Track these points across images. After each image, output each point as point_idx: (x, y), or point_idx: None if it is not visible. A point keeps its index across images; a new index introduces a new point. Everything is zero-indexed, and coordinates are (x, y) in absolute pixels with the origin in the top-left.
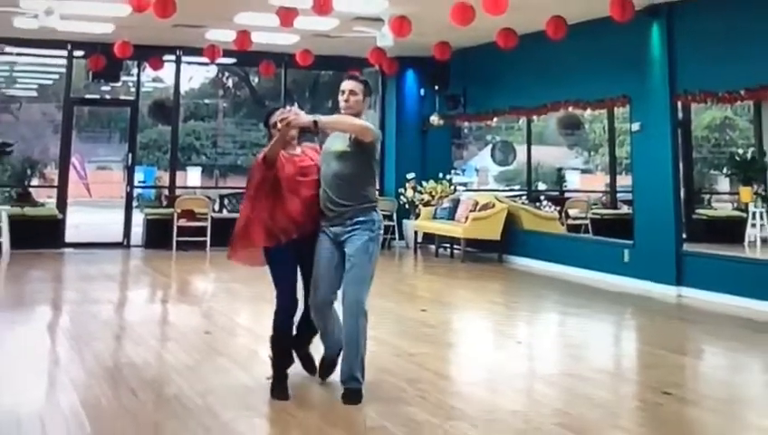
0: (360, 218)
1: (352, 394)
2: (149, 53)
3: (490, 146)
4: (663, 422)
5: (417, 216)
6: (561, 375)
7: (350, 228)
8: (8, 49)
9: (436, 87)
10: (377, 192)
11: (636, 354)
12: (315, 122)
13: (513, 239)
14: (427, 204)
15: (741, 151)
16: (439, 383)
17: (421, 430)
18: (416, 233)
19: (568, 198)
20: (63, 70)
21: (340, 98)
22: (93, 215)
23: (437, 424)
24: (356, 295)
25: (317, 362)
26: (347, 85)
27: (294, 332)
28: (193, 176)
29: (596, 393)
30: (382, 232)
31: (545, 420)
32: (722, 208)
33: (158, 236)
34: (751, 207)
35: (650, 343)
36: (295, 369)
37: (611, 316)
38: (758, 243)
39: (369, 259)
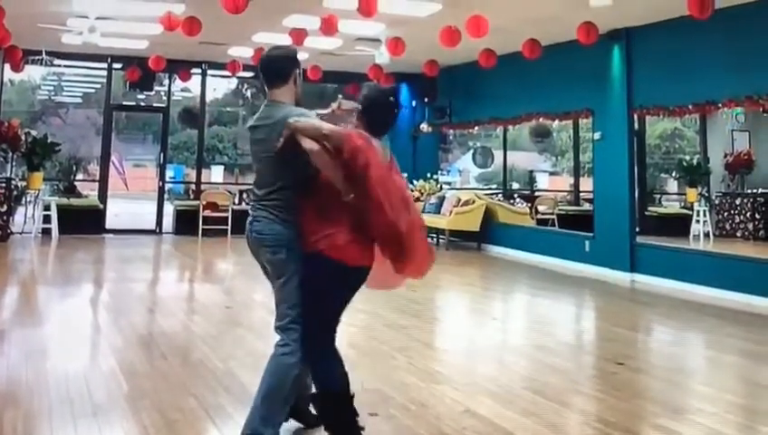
0: None
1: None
2: (179, 67)
3: (472, 151)
4: (617, 388)
5: None
6: (529, 347)
7: None
8: (57, 62)
9: (426, 99)
10: None
11: (594, 330)
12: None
13: (491, 231)
14: (416, 200)
15: (688, 158)
16: (425, 352)
17: (410, 392)
18: None
19: (538, 196)
20: (104, 80)
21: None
22: (130, 206)
23: (424, 387)
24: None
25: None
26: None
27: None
28: (216, 173)
29: (559, 363)
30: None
31: (516, 384)
32: (671, 207)
33: (185, 224)
34: (696, 206)
35: (607, 321)
36: None
37: (573, 298)
38: (701, 237)
39: None
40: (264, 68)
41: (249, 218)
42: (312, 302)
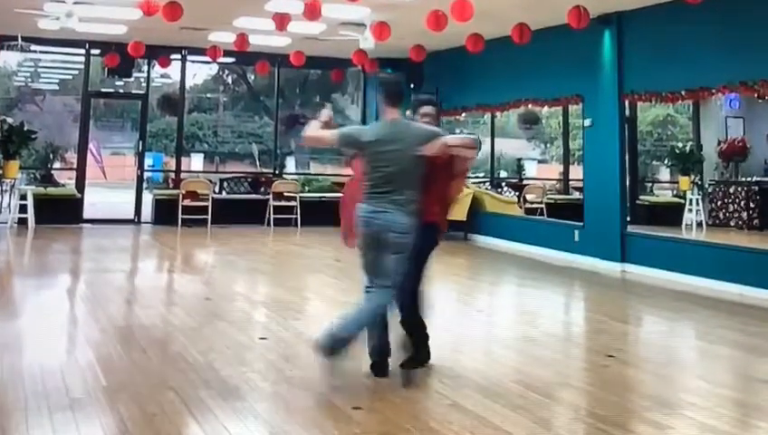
0: None
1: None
2: (158, 53)
3: None
4: (607, 382)
5: None
6: (517, 339)
7: None
8: (33, 47)
9: (412, 85)
10: (364, 188)
11: (583, 322)
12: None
13: (478, 220)
14: None
15: (680, 145)
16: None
17: (394, 385)
18: None
19: (526, 185)
20: (82, 66)
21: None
22: (108, 195)
23: None
24: None
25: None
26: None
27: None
28: (196, 161)
29: (548, 355)
30: (357, 225)
31: (503, 378)
32: (662, 195)
33: (165, 213)
34: (688, 195)
35: (596, 312)
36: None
37: (562, 288)
38: (694, 226)
39: None
40: (391, 91)
41: (371, 208)
42: (422, 256)
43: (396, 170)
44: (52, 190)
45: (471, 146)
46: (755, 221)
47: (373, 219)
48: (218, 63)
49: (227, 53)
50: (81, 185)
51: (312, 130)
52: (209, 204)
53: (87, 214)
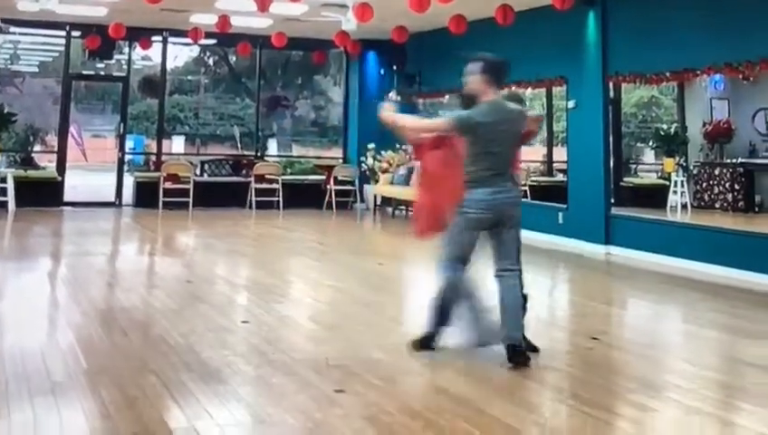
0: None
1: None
2: (140, 35)
3: None
4: (592, 365)
5: (377, 181)
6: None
7: None
8: (12, 29)
9: (395, 67)
10: (474, 172)
11: (568, 305)
12: None
13: None
14: (385, 171)
15: (665, 127)
16: (393, 327)
17: (378, 368)
18: (375, 196)
19: None
20: (62, 48)
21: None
22: (89, 177)
23: (392, 363)
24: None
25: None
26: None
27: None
28: (177, 144)
29: (532, 338)
30: (470, 209)
31: (487, 360)
32: (647, 177)
33: (146, 196)
34: (673, 177)
35: (581, 295)
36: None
37: (547, 271)
38: (678, 208)
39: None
40: (500, 71)
41: (492, 190)
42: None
43: (506, 149)
44: (32, 173)
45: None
46: (740, 203)
47: (497, 201)
48: (199, 45)
49: (209, 35)
50: (61, 168)
51: (409, 120)
52: (190, 186)
53: (68, 197)
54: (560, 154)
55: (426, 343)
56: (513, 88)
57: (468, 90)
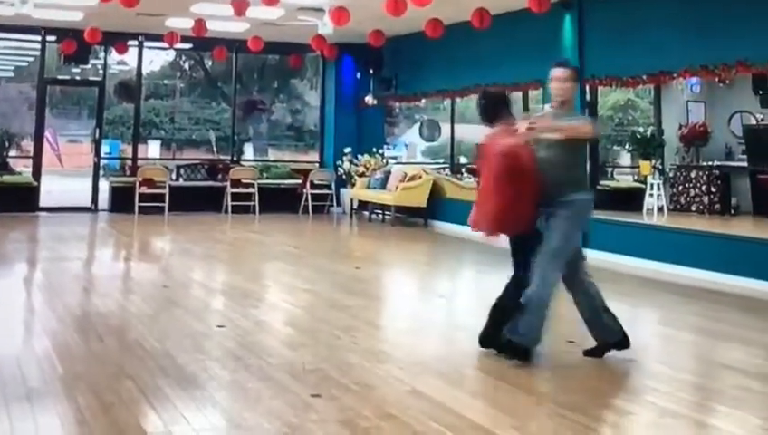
0: (561, 199)
1: (513, 347)
2: (115, 39)
3: (418, 124)
4: (567, 368)
5: (353, 185)
6: (477, 325)
7: (551, 209)
8: None
9: (371, 71)
10: (585, 175)
11: None
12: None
13: (438, 206)
14: (361, 175)
15: (641, 129)
16: (370, 331)
17: (354, 372)
18: (352, 200)
19: None
20: (38, 53)
21: (552, 85)
22: (65, 182)
23: (368, 367)
24: (538, 264)
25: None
26: (556, 72)
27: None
28: (153, 148)
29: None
30: (587, 210)
31: (463, 363)
32: (624, 180)
33: (122, 201)
34: (649, 180)
35: (557, 298)
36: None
37: None
38: (655, 211)
39: (560, 235)
40: None
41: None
42: None
43: None
44: (7, 178)
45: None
46: (716, 205)
47: None
48: (175, 50)
49: (185, 39)
50: (37, 173)
51: (566, 124)
52: (166, 191)
53: (43, 202)
54: None
55: (527, 351)
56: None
57: (564, 97)
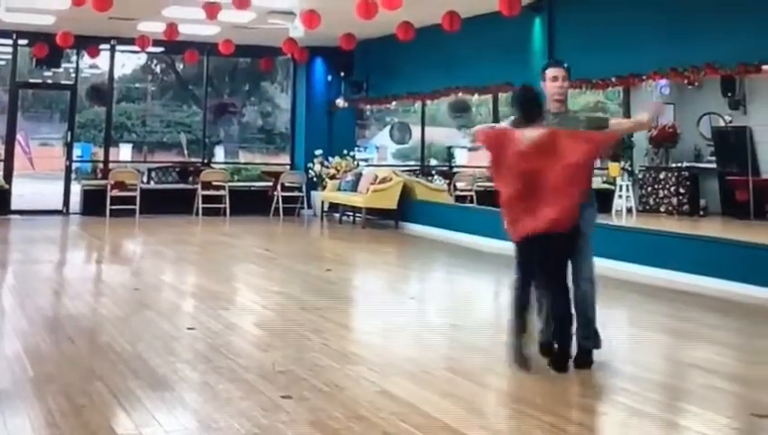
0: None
1: (586, 354)
2: (87, 43)
3: (389, 126)
4: (537, 368)
5: (324, 187)
6: (447, 326)
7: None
8: None
9: (342, 74)
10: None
11: None
12: None
13: (408, 208)
14: (332, 177)
15: None
16: (341, 333)
17: (324, 373)
18: (322, 203)
19: (456, 173)
20: (9, 57)
21: (553, 84)
22: (36, 185)
23: (339, 368)
24: (592, 262)
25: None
26: (556, 72)
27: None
28: (125, 151)
29: (478, 342)
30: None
31: (434, 364)
32: (592, 182)
33: (93, 204)
34: (618, 181)
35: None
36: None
37: (492, 275)
38: (624, 212)
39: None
40: None
41: None
42: None
43: None
44: None
45: None
46: (685, 207)
47: None
48: (147, 53)
49: (156, 43)
50: (8, 176)
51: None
52: (137, 194)
53: (15, 205)
54: None
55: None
56: (460, 94)
57: (563, 97)
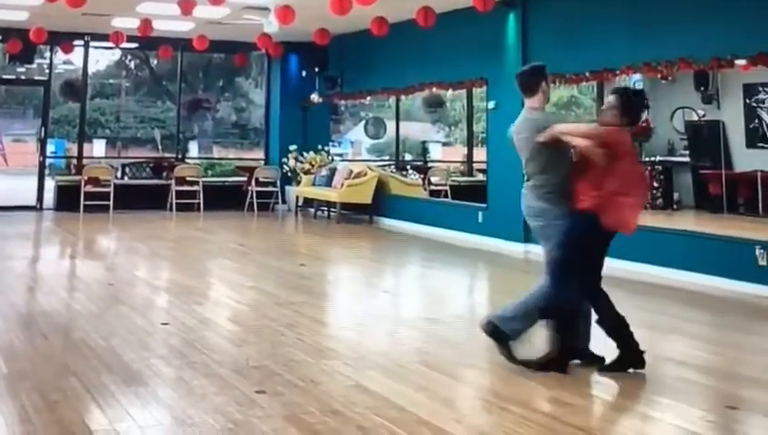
0: None
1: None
2: (61, 39)
3: (363, 121)
4: (504, 362)
5: (299, 182)
6: (422, 320)
7: None
8: None
9: (317, 69)
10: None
11: (487, 301)
12: None
13: (383, 203)
14: (307, 172)
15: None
16: (315, 328)
17: (299, 368)
18: (297, 198)
19: (430, 168)
20: None
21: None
22: (9, 181)
23: (313, 363)
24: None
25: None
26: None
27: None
28: (98, 147)
29: (452, 335)
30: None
31: (408, 358)
32: None
33: (67, 200)
34: None
35: (499, 292)
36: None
37: (467, 269)
38: None
39: None
40: (520, 81)
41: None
42: (584, 247)
43: (527, 157)
44: None
45: (584, 135)
46: (659, 200)
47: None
48: (121, 49)
49: (130, 39)
50: None
51: None
52: (111, 189)
53: None
54: (480, 154)
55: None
56: (434, 90)
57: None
